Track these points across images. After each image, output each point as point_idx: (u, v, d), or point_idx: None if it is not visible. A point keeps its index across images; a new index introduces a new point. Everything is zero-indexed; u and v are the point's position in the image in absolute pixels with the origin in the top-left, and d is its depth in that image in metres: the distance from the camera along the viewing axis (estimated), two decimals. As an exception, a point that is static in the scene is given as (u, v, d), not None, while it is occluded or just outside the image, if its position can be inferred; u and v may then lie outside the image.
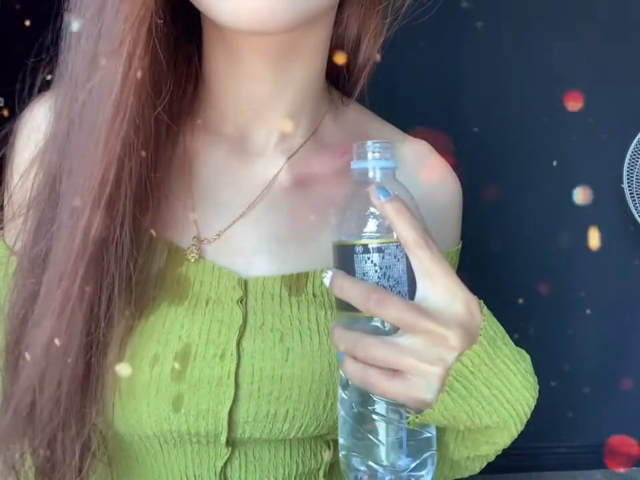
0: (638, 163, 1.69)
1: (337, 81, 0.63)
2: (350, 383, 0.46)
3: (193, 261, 0.52)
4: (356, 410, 0.46)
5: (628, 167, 1.69)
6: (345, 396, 0.47)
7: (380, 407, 0.45)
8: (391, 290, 0.44)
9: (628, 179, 1.69)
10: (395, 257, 0.44)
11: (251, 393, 0.49)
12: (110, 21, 0.44)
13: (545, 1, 1.79)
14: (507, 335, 0.46)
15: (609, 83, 1.82)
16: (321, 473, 0.56)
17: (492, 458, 0.53)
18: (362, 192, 0.46)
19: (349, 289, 0.44)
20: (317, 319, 0.52)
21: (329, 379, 0.50)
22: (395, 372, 0.44)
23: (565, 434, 1.88)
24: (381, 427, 0.45)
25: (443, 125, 1.63)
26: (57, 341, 0.46)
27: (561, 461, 1.88)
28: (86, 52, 0.46)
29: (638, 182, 1.69)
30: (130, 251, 0.48)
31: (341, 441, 0.47)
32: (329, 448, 0.56)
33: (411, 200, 0.46)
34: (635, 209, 1.69)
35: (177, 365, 0.49)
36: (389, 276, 0.44)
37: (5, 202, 0.54)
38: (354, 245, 0.44)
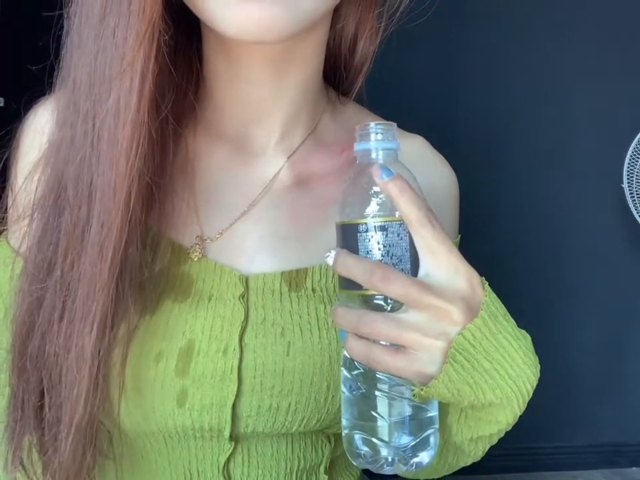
0: (638, 163, 1.69)
1: (334, 79, 0.63)
2: (353, 360, 0.46)
3: (196, 259, 0.53)
4: (359, 388, 0.46)
5: (628, 167, 1.70)
6: (347, 374, 0.47)
7: (382, 384, 0.45)
8: (394, 267, 0.44)
9: (628, 179, 1.70)
10: (397, 235, 0.45)
11: (253, 387, 0.50)
12: (117, 39, 0.45)
13: (545, 1, 1.79)
14: (509, 313, 0.47)
15: (608, 82, 1.82)
16: (322, 468, 0.56)
17: (495, 440, 0.53)
18: (365, 172, 0.46)
19: (353, 267, 0.44)
20: (316, 313, 0.53)
21: (329, 372, 0.51)
22: (398, 347, 0.44)
23: (565, 434, 1.89)
24: (384, 404, 0.45)
25: (442, 123, 1.64)
26: (73, 345, 0.47)
27: (561, 460, 1.88)
28: (90, 65, 0.46)
29: (638, 182, 1.69)
30: (138, 250, 0.48)
31: (343, 421, 0.47)
32: (330, 442, 0.57)
33: (413, 180, 0.46)
34: (635, 209, 1.69)
35: (180, 361, 0.50)
36: (392, 254, 0.44)
37: (9, 204, 0.55)
38: (357, 224, 0.45)
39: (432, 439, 0.47)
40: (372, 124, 0.46)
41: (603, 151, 1.81)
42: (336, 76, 0.63)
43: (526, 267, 1.81)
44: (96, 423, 0.48)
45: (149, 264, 0.51)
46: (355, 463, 0.47)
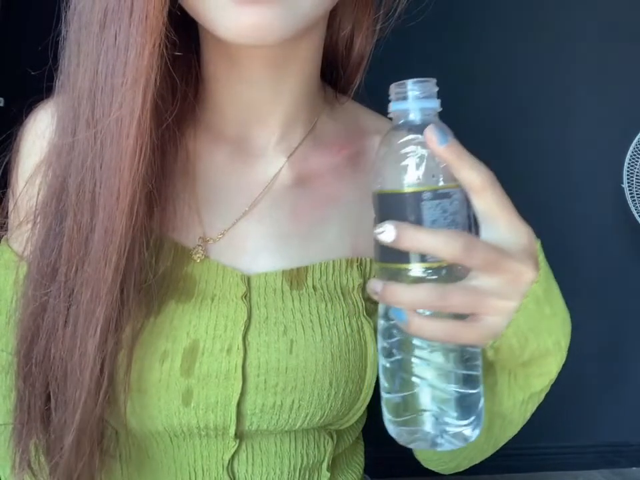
0: (638, 163, 1.69)
1: (331, 78, 0.64)
2: (390, 329, 0.44)
3: (198, 261, 0.53)
4: (400, 357, 0.44)
5: (628, 167, 1.70)
6: (385, 344, 0.45)
7: (421, 350, 0.43)
8: None
9: (628, 179, 1.70)
10: (460, 202, 0.42)
11: (257, 385, 0.50)
12: (119, 47, 0.44)
13: (545, 1, 1.79)
14: None
15: (609, 82, 1.82)
16: (325, 465, 0.57)
17: (542, 397, 0.52)
18: (409, 136, 0.43)
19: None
20: (317, 311, 0.53)
21: (332, 369, 0.51)
22: (465, 316, 0.43)
23: (565, 434, 1.89)
24: (425, 371, 0.43)
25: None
26: (77, 349, 0.47)
27: (561, 460, 1.88)
28: (91, 71, 0.46)
29: (638, 182, 1.69)
30: (142, 254, 0.48)
31: (385, 400, 0.45)
32: (332, 439, 0.57)
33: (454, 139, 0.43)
34: (635, 209, 1.69)
35: (185, 361, 0.50)
36: (457, 222, 0.42)
37: (11, 208, 0.55)
38: (421, 192, 0.41)
39: (478, 409, 0.44)
40: (409, 82, 0.43)
41: (603, 151, 1.81)
42: (333, 74, 0.64)
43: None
44: (101, 425, 0.49)
45: (152, 266, 0.51)
46: (404, 444, 0.45)
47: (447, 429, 0.43)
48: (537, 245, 0.46)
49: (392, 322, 0.44)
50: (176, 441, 0.53)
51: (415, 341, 0.43)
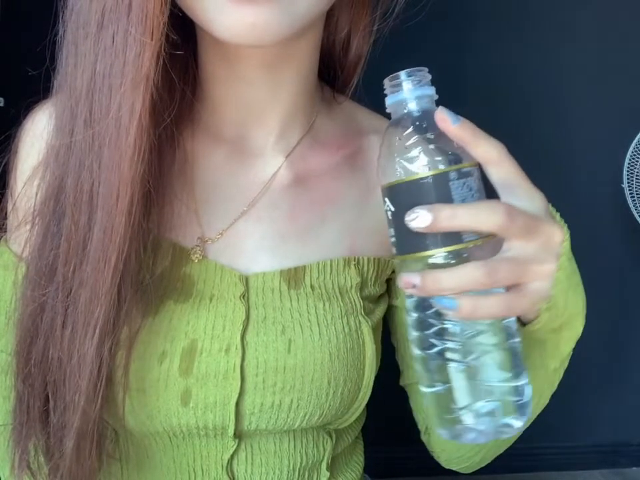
0: (638, 163, 1.69)
1: (329, 78, 0.64)
2: (427, 318, 0.42)
3: (196, 261, 0.53)
4: (441, 347, 0.42)
5: (628, 167, 1.70)
6: (419, 334, 0.43)
7: (462, 339, 0.42)
8: None
9: (628, 179, 1.70)
10: (479, 180, 0.42)
11: (256, 384, 0.51)
12: (117, 48, 0.44)
13: (545, 1, 1.79)
14: None
15: (609, 82, 1.82)
16: (324, 464, 0.57)
17: (566, 364, 0.52)
18: (416, 124, 0.43)
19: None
20: (315, 310, 0.53)
21: (330, 368, 0.52)
22: (508, 288, 0.42)
23: (565, 434, 1.89)
24: (468, 359, 0.41)
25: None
26: (76, 350, 0.47)
27: (561, 460, 1.88)
28: (89, 71, 0.46)
29: (638, 182, 1.69)
30: (139, 254, 0.48)
31: (425, 395, 0.44)
32: (331, 439, 0.57)
33: None
34: (635, 209, 1.69)
35: (184, 361, 0.50)
36: (481, 200, 0.42)
37: (10, 209, 0.55)
38: (447, 172, 0.41)
39: (525, 394, 0.42)
40: (402, 72, 0.43)
41: (603, 151, 1.81)
42: (330, 74, 0.64)
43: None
44: (101, 426, 0.49)
45: (150, 267, 0.51)
46: (448, 438, 0.44)
47: (494, 418, 0.42)
48: (550, 206, 0.46)
49: (427, 312, 0.42)
50: (175, 440, 0.53)
51: (454, 328, 0.42)
